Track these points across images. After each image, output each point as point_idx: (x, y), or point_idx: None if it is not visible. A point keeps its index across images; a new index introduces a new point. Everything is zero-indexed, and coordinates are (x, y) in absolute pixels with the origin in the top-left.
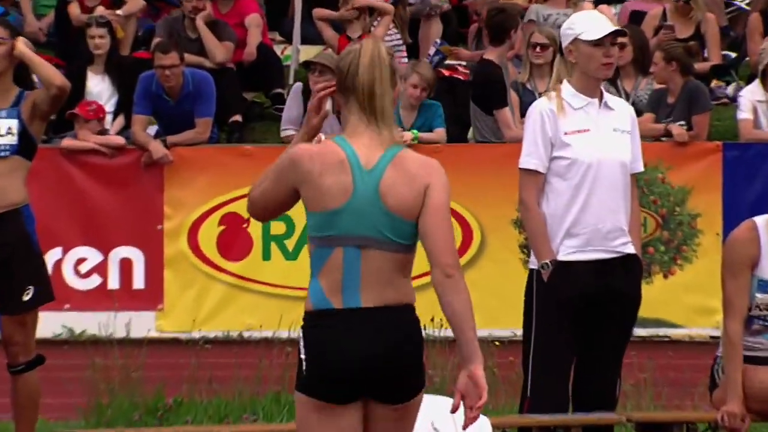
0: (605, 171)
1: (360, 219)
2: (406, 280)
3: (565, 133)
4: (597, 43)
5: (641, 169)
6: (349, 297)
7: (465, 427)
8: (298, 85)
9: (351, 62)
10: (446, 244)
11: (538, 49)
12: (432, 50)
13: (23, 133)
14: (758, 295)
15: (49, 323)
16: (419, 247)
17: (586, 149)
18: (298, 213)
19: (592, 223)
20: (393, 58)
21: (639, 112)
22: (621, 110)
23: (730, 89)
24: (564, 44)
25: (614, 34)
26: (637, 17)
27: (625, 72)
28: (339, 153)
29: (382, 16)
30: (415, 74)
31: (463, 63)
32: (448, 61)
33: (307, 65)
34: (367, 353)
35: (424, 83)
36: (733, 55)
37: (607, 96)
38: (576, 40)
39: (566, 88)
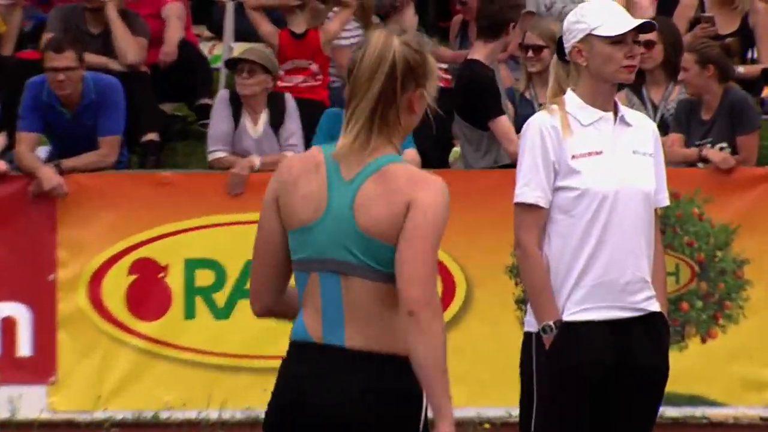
0: (624, 205)
1: (332, 239)
2: (398, 317)
3: (573, 157)
4: (617, 41)
5: (666, 203)
6: (330, 332)
7: None
8: (224, 92)
9: (355, 59)
10: (414, 272)
11: (530, 52)
12: None
13: None
14: None
15: None
16: None
17: (600, 176)
18: (228, 258)
19: (607, 273)
20: (421, 54)
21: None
22: (641, 127)
23: None
24: (569, 42)
25: (640, 29)
26: (667, 6)
27: (652, 78)
28: (317, 157)
29: (340, 5)
30: None
31: (444, 66)
32: None
33: (233, 64)
34: (334, 406)
35: None
36: None
37: (623, 109)
38: (589, 37)
39: (571, 99)
